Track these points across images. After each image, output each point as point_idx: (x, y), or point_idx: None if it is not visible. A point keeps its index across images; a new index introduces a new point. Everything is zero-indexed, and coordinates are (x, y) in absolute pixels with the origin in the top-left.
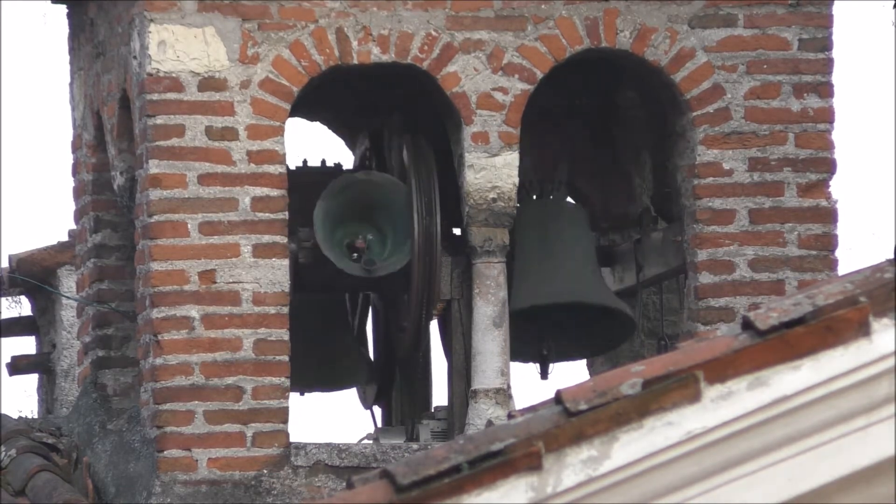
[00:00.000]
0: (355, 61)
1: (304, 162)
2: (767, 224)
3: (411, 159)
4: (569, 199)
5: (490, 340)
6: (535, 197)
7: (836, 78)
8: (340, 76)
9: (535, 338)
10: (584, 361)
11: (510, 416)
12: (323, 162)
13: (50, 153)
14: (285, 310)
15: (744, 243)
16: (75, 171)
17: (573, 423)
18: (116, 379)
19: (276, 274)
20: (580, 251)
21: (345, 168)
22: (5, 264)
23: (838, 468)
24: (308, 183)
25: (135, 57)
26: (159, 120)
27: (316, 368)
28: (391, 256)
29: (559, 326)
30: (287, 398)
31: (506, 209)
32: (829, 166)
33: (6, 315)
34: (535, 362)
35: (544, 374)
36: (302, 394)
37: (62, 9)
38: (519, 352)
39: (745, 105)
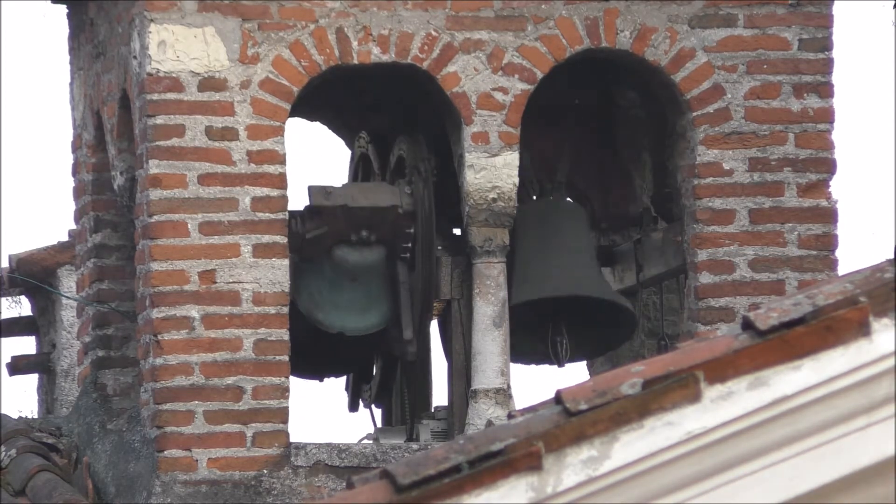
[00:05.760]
0: (355, 61)
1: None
2: (767, 224)
3: (410, 158)
4: (568, 199)
5: (490, 340)
6: (534, 197)
7: (836, 78)
8: (340, 76)
9: (544, 336)
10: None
11: (510, 416)
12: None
13: (50, 153)
14: (285, 310)
15: (744, 243)
16: (75, 171)
17: (573, 423)
18: (116, 379)
19: (276, 274)
20: (580, 248)
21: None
22: (5, 264)
23: (838, 468)
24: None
25: (135, 57)
26: (159, 120)
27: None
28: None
29: (559, 325)
30: (287, 398)
31: (506, 209)
32: (829, 166)
33: (6, 315)
34: (546, 363)
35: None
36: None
37: (62, 9)
38: (527, 353)
39: (745, 105)
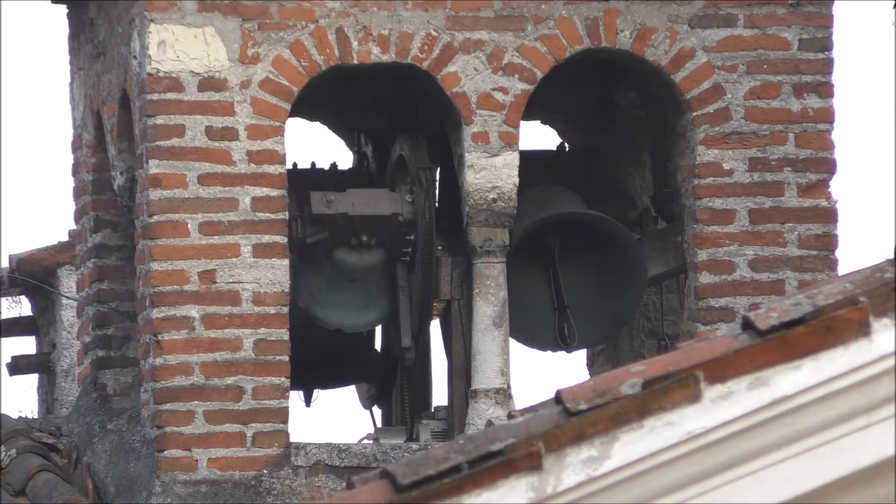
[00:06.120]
0: (355, 61)
1: None
2: (767, 224)
3: (413, 163)
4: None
5: (490, 340)
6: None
7: (836, 78)
8: (340, 76)
9: (551, 322)
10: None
11: (510, 416)
12: None
13: (50, 153)
14: (285, 310)
15: (744, 243)
16: (75, 171)
17: (573, 423)
18: (116, 379)
19: (276, 274)
20: (575, 201)
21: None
22: (5, 264)
23: (838, 468)
24: None
25: (135, 57)
26: (159, 120)
27: None
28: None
29: (564, 312)
30: (287, 398)
31: (506, 209)
32: (829, 166)
33: (6, 315)
34: (554, 349)
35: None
36: None
37: (62, 9)
38: (537, 338)
39: (745, 105)
